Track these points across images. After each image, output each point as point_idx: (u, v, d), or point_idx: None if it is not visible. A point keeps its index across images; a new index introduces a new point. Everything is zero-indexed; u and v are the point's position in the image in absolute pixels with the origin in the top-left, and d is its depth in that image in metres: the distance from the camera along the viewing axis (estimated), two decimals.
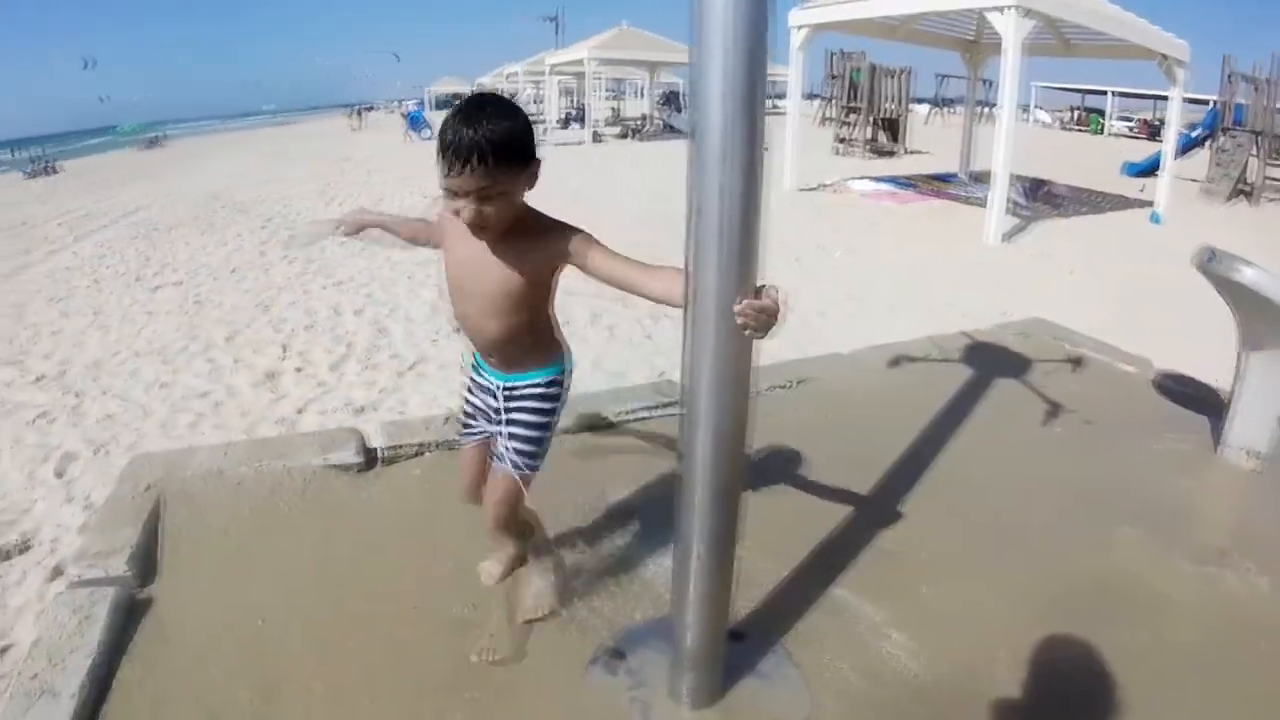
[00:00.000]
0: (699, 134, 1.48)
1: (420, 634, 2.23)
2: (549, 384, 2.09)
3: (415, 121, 27.07)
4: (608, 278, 1.87)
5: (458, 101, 1.88)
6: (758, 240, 1.55)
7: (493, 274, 1.93)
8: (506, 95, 1.88)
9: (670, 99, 24.96)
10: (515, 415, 2.10)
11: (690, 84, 1.50)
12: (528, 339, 2.03)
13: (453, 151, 1.72)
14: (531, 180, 1.85)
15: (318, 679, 2.07)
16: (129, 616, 2.30)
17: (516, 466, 2.10)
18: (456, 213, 1.80)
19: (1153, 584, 2.55)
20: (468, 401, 2.24)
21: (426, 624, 2.27)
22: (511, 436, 2.10)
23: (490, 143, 1.71)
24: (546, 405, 2.10)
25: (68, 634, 2.16)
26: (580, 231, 1.91)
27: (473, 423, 2.24)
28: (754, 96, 1.44)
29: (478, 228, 1.82)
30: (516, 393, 2.09)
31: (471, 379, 2.21)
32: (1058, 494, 3.08)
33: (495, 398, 2.12)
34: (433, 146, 1.79)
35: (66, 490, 4.02)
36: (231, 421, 4.77)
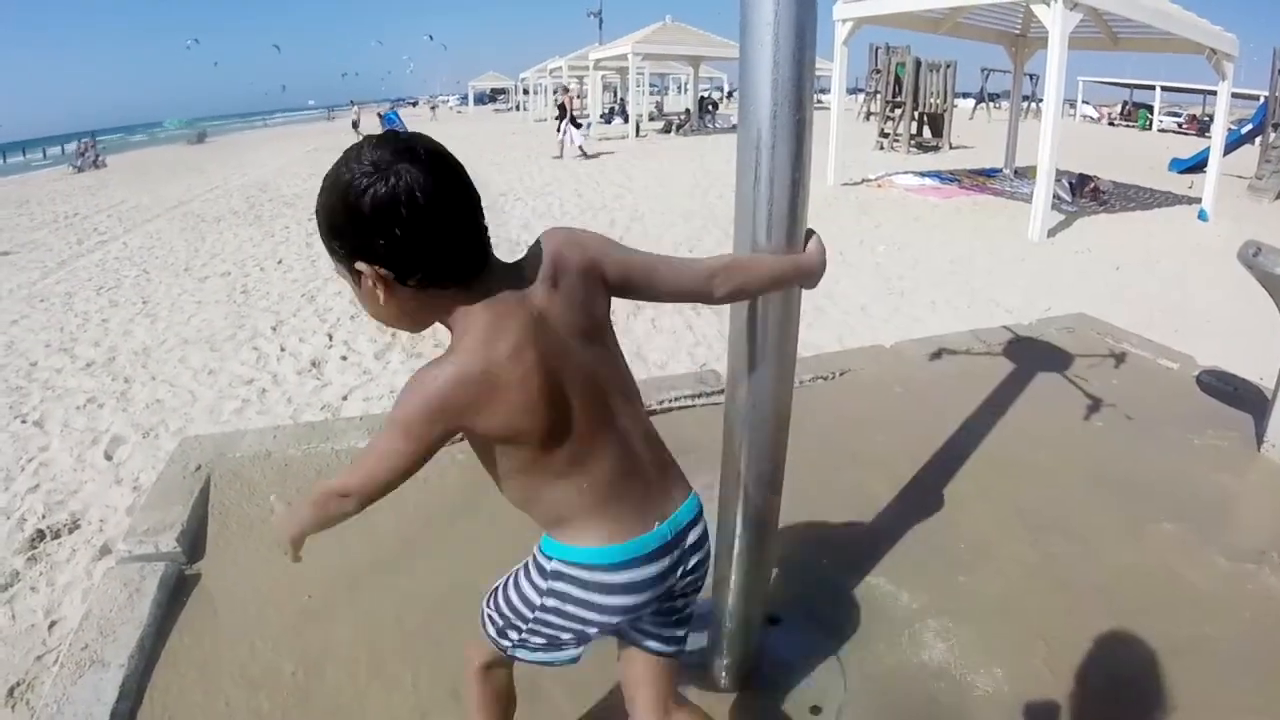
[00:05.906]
0: (747, 123, 1.47)
1: (464, 612, 2.26)
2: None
3: (390, 122, 30.57)
4: None
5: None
6: (803, 231, 1.55)
7: None
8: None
9: (703, 103, 25.63)
10: None
11: (740, 75, 1.48)
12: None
13: None
14: (380, 288, 1.16)
15: (361, 654, 2.12)
16: (178, 591, 2.37)
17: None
18: None
19: (1190, 579, 2.52)
20: None
21: (469, 602, 2.30)
22: None
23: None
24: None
25: (118, 607, 2.24)
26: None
27: None
28: (801, 85, 1.43)
29: None
30: None
31: None
32: (1097, 488, 3.04)
33: None
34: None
35: (115, 473, 4.11)
36: (277, 408, 4.85)
